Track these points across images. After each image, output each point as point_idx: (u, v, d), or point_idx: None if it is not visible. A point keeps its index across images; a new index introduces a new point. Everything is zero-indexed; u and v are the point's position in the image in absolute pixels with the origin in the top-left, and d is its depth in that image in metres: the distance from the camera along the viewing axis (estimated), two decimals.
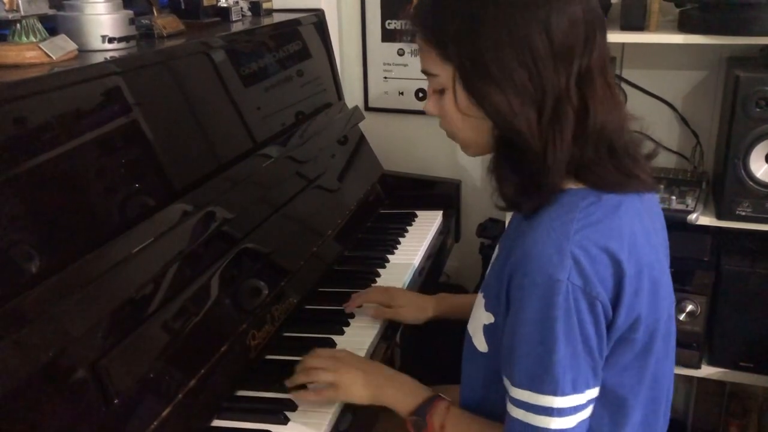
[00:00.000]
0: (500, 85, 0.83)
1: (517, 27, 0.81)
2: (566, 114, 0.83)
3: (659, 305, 0.88)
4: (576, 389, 0.82)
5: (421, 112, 2.08)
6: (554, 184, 0.85)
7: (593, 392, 0.85)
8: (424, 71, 0.91)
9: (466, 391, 1.04)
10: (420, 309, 1.31)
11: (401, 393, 1.03)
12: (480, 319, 0.96)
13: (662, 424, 0.99)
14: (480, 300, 0.98)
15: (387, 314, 1.30)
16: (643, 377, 0.90)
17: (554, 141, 0.83)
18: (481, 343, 0.97)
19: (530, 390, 0.83)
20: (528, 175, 0.86)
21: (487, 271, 1.01)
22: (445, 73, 0.88)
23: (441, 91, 0.90)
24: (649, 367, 0.90)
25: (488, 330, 0.95)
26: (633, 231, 0.85)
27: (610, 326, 0.84)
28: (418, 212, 1.79)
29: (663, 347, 0.92)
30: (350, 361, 1.09)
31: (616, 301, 0.83)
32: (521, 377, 0.84)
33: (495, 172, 0.90)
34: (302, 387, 1.07)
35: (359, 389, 1.04)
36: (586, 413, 0.85)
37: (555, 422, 0.83)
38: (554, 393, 0.82)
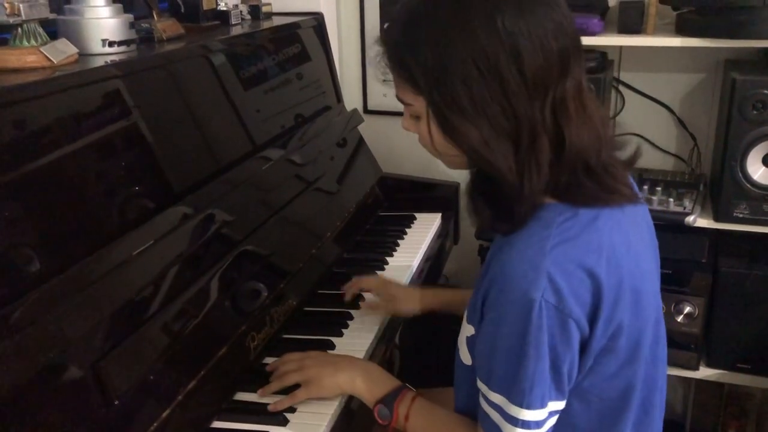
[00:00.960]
0: (473, 121, 0.81)
1: (487, 61, 0.79)
2: (542, 144, 0.81)
3: (642, 314, 0.88)
4: (543, 404, 0.84)
5: None
6: (529, 207, 0.85)
7: (556, 404, 0.86)
8: (398, 98, 0.90)
9: (459, 404, 1.04)
10: (413, 300, 1.34)
11: (370, 382, 1.05)
12: (464, 332, 0.97)
13: (657, 425, 1.00)
14: (465, 313, 0.98)
15: (381, 306, 1.33)
16: (632, 384, 0.90)
17: (530, 172, 0.82)
18: (465, 356, 0.97)
19: (500, 394, 0.85)
20: (503, 205, 0.85)
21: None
22: (418, 104, 0.87)
23: (417, 117, 0.90)
24: (638, 374, 0.90)
25: (470, 342, 0.95)
26: (612, 242, 0.85)
27: (588, 341, 0.84)
28: (416, 214, 1.80)
29: (652, 353, 0.92)
30: (318, 358, 1.11)
31: (594, 314, 0.83)
32: (497, 383, 0.86)
33: (470, 201, 0.91)
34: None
35: (328, 382, 1.05)
36: (549, 424, 0.86)
37: None
38: (521, 405, 0.83)
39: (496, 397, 0.86)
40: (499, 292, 0.83)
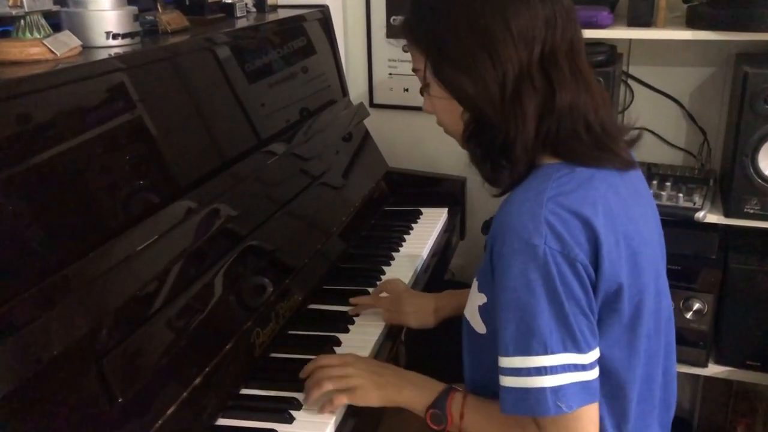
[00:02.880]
0: (463, 69, 0.90)
1: (476, 15, 0.88)
2: (527, 92, 0.88)
3: (642, 277, 0.91)
4: (566, 348, 0.84)
5: None
6: (522, 156, 0.90)
7: (594, 353, 0.86)
8: (413, 69, 1.00)
9: (472, 377, 1.05)
10: (427, 315, 1.30)
11: (416, 390, 1.03)
12: (475, 301, 0.99)
13: (659, 404, 1.01)
14: (474, 283, 1.01)
15: (394, 319, 1.30)
16: (635, 352, 0.92)
17: (515, 116, 0.88)
18: (479, 325, 0.98)
19: (519, 355, 0.85)
20: (496, 150, 0.92)
21: None
22: (423, 66, 0.96)
23: (427, 86, 0.97)
24: (639, 341, 0.92)
25: (483, 310, 0.97)
26: (608, 202, 0.88)
27: (594, 288, 0.86)
28: (423, 209, 1.78)
29: (653, 324, 0.94)
30: (359, 365, 1.07)
31: (595, 263, 0.85)
32: (508, 345, 0.86)
33: (469, 153, 0.96)
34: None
35: (372, 392, 1.03)
36: (589, 375, 0.85)
37: (548, 380, 0.83)
38: (544, 353, 0.83)
39: (515, 361, 0.85)
40: (502, 245, 0.87)
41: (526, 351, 0.84)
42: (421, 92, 1.00)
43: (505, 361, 0.87)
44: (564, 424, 0.86)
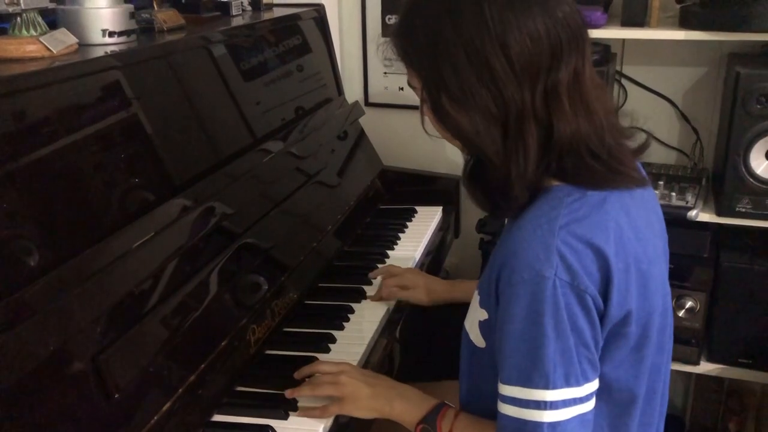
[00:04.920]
0: (463, 105, 0.84)
1: (474, 47, 0.81)
2: (530, 130, 0.83)
3: (651, 299, 0.89)
4: (569, 383, 0.82)
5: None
6: (521, 194, 0.86)
7: (592, 385, 0.85)
8: (408, 84, 0.93)
9: (467, 387, 1.04)
10: (430, 292, 1.38)
11: (408, 404, 1.03)
12: (475, 315, 0.97)
13: (657, 416, 1.00)
14: (475, 297, 0.98)
15: (398, 294, 1.36)
16: (641, 371, 0.91)
17: (517, 157, 0.84)
18: (478, 339, 0.97)
19: (520, 386, 0.83)
20: (494, 187, 0.88)
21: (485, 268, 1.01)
22: (419, 86, 0.89)
23: (425, 105, 0.91)
24: (646, 360, 0.91)
25: (483, 326, 0.95)
26: (619, 225, 0.85)
27: (602, 318, 0.84)
28: (417, 208, 1.79)
29: (658, 340, 0.93)
30: (354, 374, 1.07)
31: (605, 293, 0.83)
32: (511, 374, 0.84)
33: (466, 186, 0.94)
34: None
35: (365, 403, 1.03)
36: (587, 407, 0.85)
37: (547, 415, 0.82)
38: (546, 387, 0.82)
39: (515, 391, 0.84)
40: (511, 273, 0.83)
41: (528, 383, 0.83)
42: (421, 108, 0.93)
43: (506, 389, 0.85)
44: None
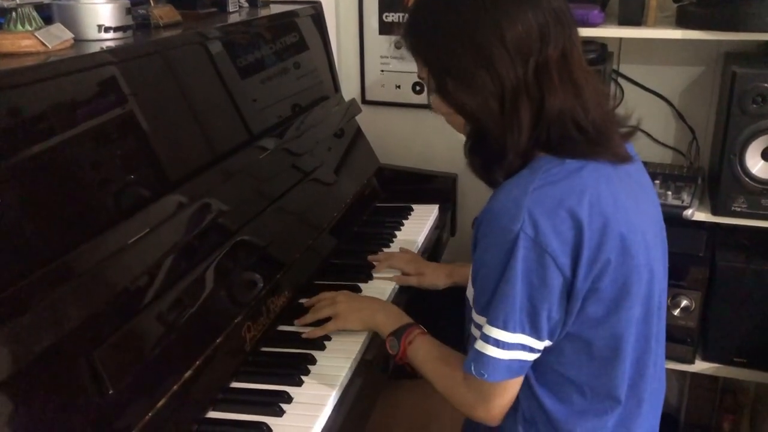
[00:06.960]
0: (464, 86, 0.95)
1: (472, 34, 0.92)
2: (524, 104, 0.93)
3: (630, 262, 0.94)
4: (506, 327, 0.92)
5: (418, 106, 2.08)
6: (514, 161, 0.95)
7: (527, 339, 0.93)
8: (418, 77, 1.05)
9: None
10: (439, 276, 1.45)
11: (387, 317, 1.20)
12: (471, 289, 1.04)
13: (647, 407, 1.03)
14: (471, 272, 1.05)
15: (408, 281, 1.43)
16: (620, 334, 0.96)
17: (512, 128, 0.94)
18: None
19: (484, 317, 0.95)
20: (491, 156, 0.98)
21: None
22: (426, 75, 1.00)
23: (432, 91, 1.01)
24: (626, 324, 0.96)
25: None
26: (598, 191, 0.92)
27: (573, 282, 0.91)
28: (414, 206, 1.79)
29: (644, 309, 0.98)
30: (348, 295, 1.28)
31: (577, 252, 0.90)
32: (481, 305, 0.96)
33: (468, 163, 1.03)
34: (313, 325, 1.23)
35: (354, 316, 1.21)
36: (521, 355, 0.94)
37: (489, 349, 0.94)
38: (496, 325, 0.93)
39: (479, 318, 0.96)
40: (485, 226, 0.94)
41: (487, 316, 0.94)
42: (428, 94, 1.04)
43: (476, 316, 0.98)
44: (483, 389, 0.98)
